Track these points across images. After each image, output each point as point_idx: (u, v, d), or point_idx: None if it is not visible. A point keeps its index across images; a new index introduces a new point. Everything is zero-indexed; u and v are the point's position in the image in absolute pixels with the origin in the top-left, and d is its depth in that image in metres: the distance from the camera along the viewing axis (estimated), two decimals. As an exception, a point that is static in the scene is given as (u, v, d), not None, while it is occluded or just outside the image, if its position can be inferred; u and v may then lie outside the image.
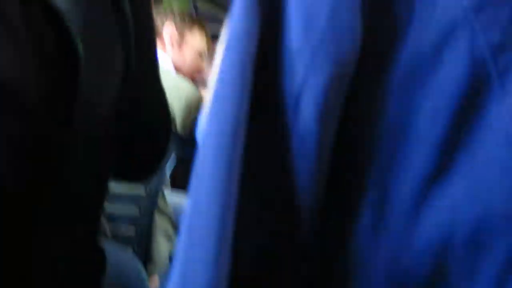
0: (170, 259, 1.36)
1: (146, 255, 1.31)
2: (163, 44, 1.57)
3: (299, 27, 0.30)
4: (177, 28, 1.57)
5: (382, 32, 0.31)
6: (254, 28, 0.31)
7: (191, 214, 0.30)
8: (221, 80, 0.30)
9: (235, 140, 0.29)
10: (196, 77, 1.65)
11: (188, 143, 1.48)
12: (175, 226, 1.38)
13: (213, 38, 1.69)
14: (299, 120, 0.30)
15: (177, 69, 1.56)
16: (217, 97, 0.30)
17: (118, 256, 1.06)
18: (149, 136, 0.62)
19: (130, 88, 0.54)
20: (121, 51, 0.52)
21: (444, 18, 0.30)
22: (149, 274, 1.25)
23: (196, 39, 1.61)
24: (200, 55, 1.63)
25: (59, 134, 0.45)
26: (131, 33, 0.53)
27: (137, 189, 1.29)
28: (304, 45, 0.30)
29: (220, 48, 0.47)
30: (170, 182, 1.58)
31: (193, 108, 1.48)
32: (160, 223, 1.35)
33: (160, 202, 1.34)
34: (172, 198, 1.45)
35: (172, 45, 1.57)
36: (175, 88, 1.41)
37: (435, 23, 0.30)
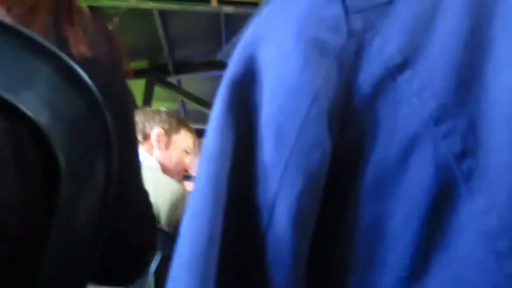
0: None
1: None
2: (151, 146, 1.61)
3: (270, 143, 0.32)
4: (165, 132, 1.62)
5: (350, 143, 0.33)
6: (228, 145, 0.32)
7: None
8: (195, 196, 0.31)
9: (208, 258, 0.29)
10: (181, 176, 1.67)
11: (174, 240, 1.45)
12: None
13: (201, 135, 1.73)
14: (273, 231, 0.31)
15: (163, 169, 1.58)
16: (191, 213, 0.30)
17: None
18: (133, 241, 0.61)
19: (113, 196, 0.54)
20: (104, 163, 0.53)
21: (407, 130, 0.32)
22: None
23: (182, 140, 1.65)
24: (186, 154, 1.66)
25: (35, 250, 0.45)
26: (113, 144, 0.54)
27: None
28: (276, 160, 0.31)
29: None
30: (154, 282, 1.53)
31: (179, 205, 1.48)
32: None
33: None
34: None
35: (159, 147, 1.61)
36: (159, 186, 1.41)
37: (399, 134, 0.32)
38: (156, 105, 3.97)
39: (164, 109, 1.71)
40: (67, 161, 0.47)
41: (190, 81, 4.10)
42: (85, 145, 0.52)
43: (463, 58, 0.32)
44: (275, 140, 0.32)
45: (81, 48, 0.54)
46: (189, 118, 3.88)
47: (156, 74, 3.93)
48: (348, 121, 0.33)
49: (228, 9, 2.49)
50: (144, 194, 0.63)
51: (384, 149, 0.32)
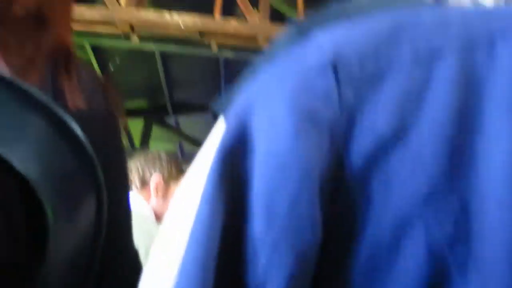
0: None
1: None
2: (148, 193, 1.59)
3: (261, 219, 0.31)
4: (163, 179, 1.61)
5: (340, 220, 0.32)
6: (218, 220, 0.31)
7: None
8: (182, 277, 0.30)
9: None
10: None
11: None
12: None
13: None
14: None
15: (158, 218, 1.56)
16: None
17: None
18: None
19: (102, 245, 0.53)
20: (93, 219, 0.52)
21: (399, 209, 0.31)
22: None
23: None
24: (183, 203, 1.64)
25: None
26: (104, 201, 0.54)
27: None
28: (266, 236, 0.31)
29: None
30: None
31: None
32: None
33: None
34: None
35: (157, 195, 1.59)
36: (152, 237, 1.39)
37: (391, 214, 0.31)
38: (153, 145, 3.98)
39: (165, 153, 1.71)
40: (55, 215, 0.46)
41: (188, 123, 4.13)
42: (75, 200, 0.51)
43: (453, 135, 0.32)
44: (265, 216, 0.31)
45: (77, 101, 0.54)
46: (186, 160, 3.87)
47: (155, 114, 3.95)
48: (339, 197, 0.32)
49: (227, 54, 2.54)
50: (132, 253, 0.61)
51: (375, 229, 0.31)
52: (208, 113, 3.71)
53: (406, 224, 0.31)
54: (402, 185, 0.31)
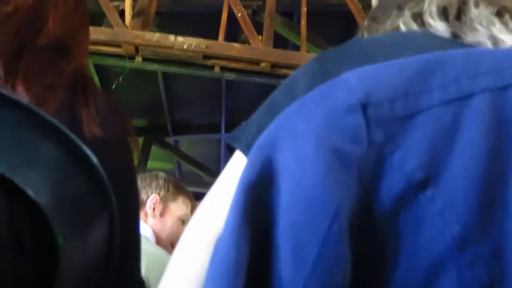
0: None
1: None
2: (145, 214, 1.57)
3: (288, 259, 0.30)
4: (160, 199, 1.59)
5: (372, 259, 0.31)
6: (244, 258, 0.31)
7: None
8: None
9: None
10: (175, 245, 1.63)
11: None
12: None
13: (196, 198, 1.70)
14: None
15: (157, 238, 1.54)
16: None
17: None
18: None
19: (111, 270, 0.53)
20: (105, 245, 0.52)
21: (431, 253, 0.31)
22: None
23: (179, 208, 1.62)
24: (182, 222, 1.62)
25: None
26: (116, 226, 0.53)
27: None
28: (294, 276, 0.30)
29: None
30: None
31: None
32: None
33: None
34: None
35: (154, 214, 1.57)
36: (152, 259, 1.37)
37: (422, 257, 0.31)
38: (151, 164, 3.97)
39: (163, 173, 1.69)
40: (65, 240, 0.45)
41: (187, 142, 4.12)
42: (87, 224, 0.51)
43: (485, 179, 0.32)
44: (293, 256, 0.30)
45: (93, 128, 0.54)
46: (184, 180, 3.86)
47: (155, 134, 3.95)
48: (368, 235, 0.32)
49: (229, 75, 2.56)
50: (140, 280, 0.61)
51: (407, 270, 0.30)
52: (208, 133, 3.72)
53: (438, 266, 0.30)
54: (434, 229, 0.31)
